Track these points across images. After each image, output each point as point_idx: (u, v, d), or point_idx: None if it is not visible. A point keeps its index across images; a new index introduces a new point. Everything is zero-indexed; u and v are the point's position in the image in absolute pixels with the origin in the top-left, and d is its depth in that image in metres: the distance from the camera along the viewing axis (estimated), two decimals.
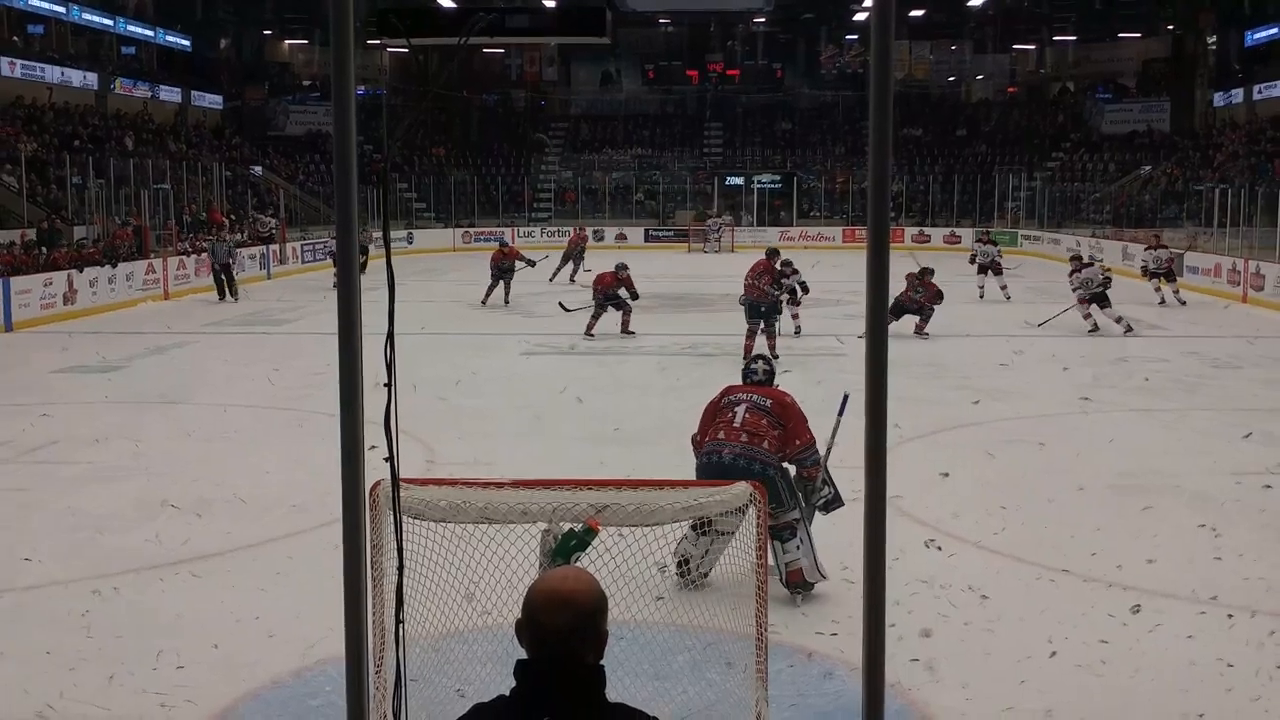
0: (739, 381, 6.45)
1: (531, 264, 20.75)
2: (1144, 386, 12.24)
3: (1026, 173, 40.80)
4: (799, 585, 5.86)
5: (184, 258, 23.10)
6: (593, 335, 15.74)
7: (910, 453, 8.65)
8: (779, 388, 6.35)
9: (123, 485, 8.23)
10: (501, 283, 20.09)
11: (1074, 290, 16.60)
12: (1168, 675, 5.04)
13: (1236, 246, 23.83)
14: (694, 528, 5.21)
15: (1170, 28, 43.22)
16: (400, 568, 2.87)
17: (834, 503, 6.13)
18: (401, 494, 2.77)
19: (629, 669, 3.95)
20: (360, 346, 2.38)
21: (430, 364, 12.34)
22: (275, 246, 28.10)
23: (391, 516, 2.77)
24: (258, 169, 37.17)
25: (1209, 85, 40.56)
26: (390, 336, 2.40)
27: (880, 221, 2.25)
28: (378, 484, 3.21)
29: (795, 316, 15.79)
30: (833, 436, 6.24)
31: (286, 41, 45.66)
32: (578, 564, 3.62)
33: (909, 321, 15.65)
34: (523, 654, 2.00)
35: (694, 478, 5.74)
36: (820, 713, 4.69)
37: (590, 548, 3.77)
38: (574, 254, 25.16)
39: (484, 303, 19.99)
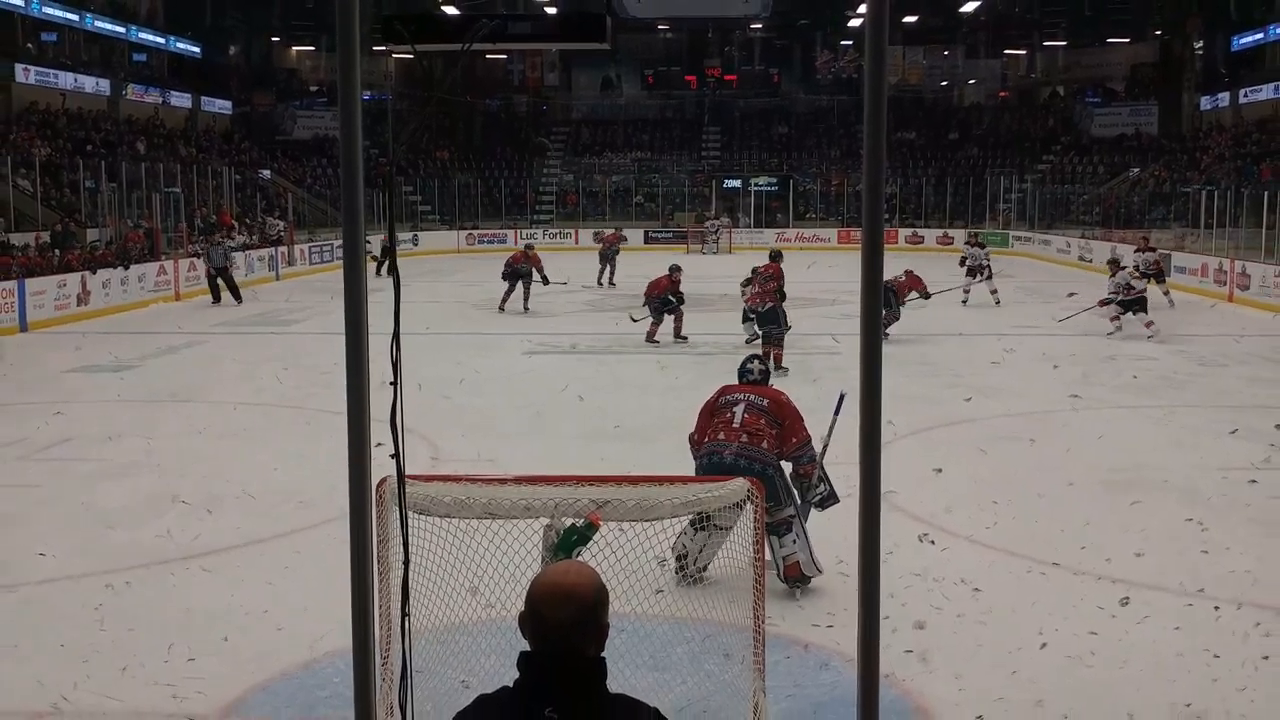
0: (736, 381, 6.51)
1: (545, 281, 19.43)
2: (1133, 384, 12.29)
3: (1017, 175, 40.88)
4: (796, 580, 5.92)
5: (194, 259, 23.08)
6: (656, 341, 15.21)
7: (904, 449, 8.72)
8: (774, 386, 6.42)
9: (135, 481, 8.32)
10: (520, 285, 19.12)
11: (1110, 293, 16.23)
12: (1156, 666, 5.10)
13: (1223, 247, 23.97)
14: (692, 524, 5.29)
15: (1158, 33, 43.30)
16: (406, 562, 2.94)
17: (829, 499, 6.18)
18: (407, 490, 2.78)
19: (629, 660, 3.99)
20: (366, 346, 2.37)
21: (435, 363, 12.44)
22: (283, 248, 28.18)
23: (397, 512, 2.76)
24: (266, 172, 37.29)
25: (1196, 89, 40.71)
26: (396, 336, 2.40)
27: (875, 223, 2.27)
28: (384, 480, 3.26)
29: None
30: (829, 435, 6.31)
31: (294, 48, 45.69)
32: (579, 558, 3.65)
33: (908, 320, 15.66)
34: (526, 646, 2.02)
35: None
36: (816, 703, 4.74)
37: (591, 542, 3.81)
38: (609, 255, 24.70)
39: (502, 308, 19.08)
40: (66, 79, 32.40)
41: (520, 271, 19.15)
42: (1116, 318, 16.00)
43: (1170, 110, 41.71)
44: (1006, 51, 46.87)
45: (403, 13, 2.53)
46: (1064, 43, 46.00)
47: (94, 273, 19.47)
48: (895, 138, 41.12)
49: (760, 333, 13.51)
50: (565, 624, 1.97)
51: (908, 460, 8.21)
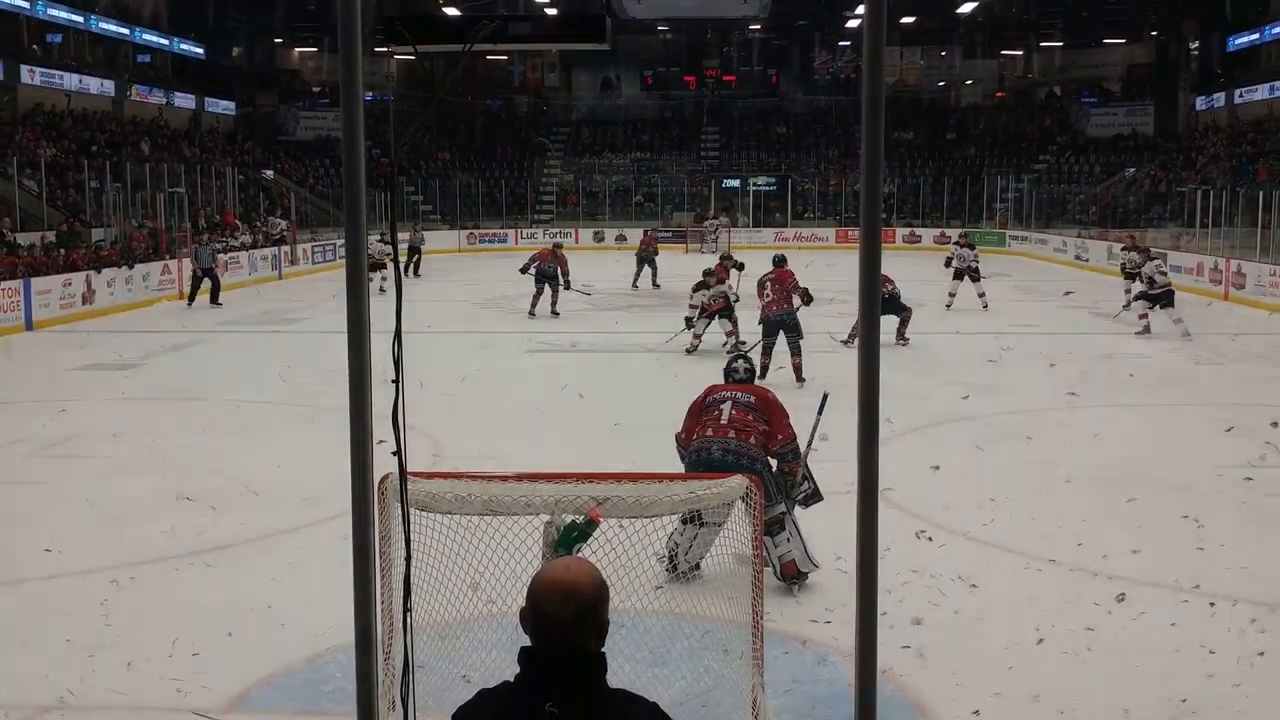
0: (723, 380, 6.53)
1: (567, 286, 18.79)
2: (1129, 382, 12.31)
3: (1014, 175, 40.94)
4: (793, 577, 5.95)
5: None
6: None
7: (902, 447, 8.76)
8: (760, 384, 6.44)
9: (140, 479, 8.36)
10: (548, 289, 18.49)
11: (1144, 286, 16.00)
12: (1151, 662, 5.13)
13: (1219, 246, 24.01)
14: (682, 519, 5.31)
15: (1154, 33, 43.44)
16: (408, 558, 2.94)
17: (813, 497, 6.21)
18: (409, 487, 2.82)
19: (629, 656, 4.01)
20: (369, 344, 2.38)
21: (436, 361, 12.47)
22: (286, 248, 28.29)
23: (399, 509, 2.82)
24: (269, 173, 37.42)
25: (1191, 89, 40.83)
26: (398, 334, 2.43)
27: (872, 223, 2.27)
28: (386, 477, 3.28)
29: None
30: (812, 434, 6.34)
31: (297, 49, 45.76)
32: (580, 555, 3.70)
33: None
34: (527, 641, 2.03)
35: None
36: (814, 698, 4.77)
37: (591, 539, 3.86)
38: (646, 257, 23.91)
39: (532, 313, 18.40)
40: (71, 80, 32.43)
41: (547, 273, 18.54)
42: (1145, 314, 15.78)
43: (1166, 110, 41.88)
44: (1003, 52, 46.94)
45: (404, 14, 2.53)
46: (1060, 43, 46.12)
47: (99, 272, 19.52)
48: (893, 138, 41.18)
49: (768, 342, 12.60)
50: (566, 620, 1.98)
51: (905, 457, 8.23)
